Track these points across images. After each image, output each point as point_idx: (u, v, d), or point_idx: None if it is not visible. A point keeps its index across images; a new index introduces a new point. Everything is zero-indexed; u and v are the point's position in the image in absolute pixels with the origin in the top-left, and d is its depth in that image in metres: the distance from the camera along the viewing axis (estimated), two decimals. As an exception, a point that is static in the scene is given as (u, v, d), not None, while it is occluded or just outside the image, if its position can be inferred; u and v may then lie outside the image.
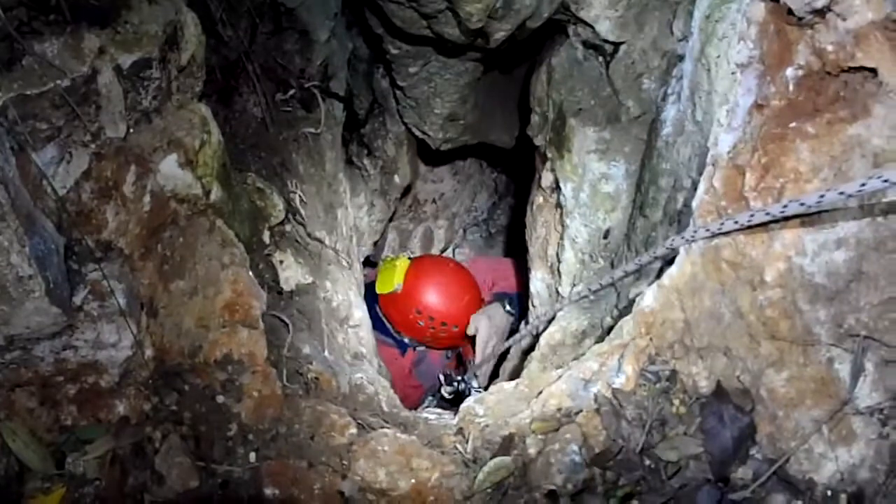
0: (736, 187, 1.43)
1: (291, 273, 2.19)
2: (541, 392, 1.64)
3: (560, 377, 1.63)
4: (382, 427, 1.71)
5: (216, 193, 1.86)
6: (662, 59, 2.18)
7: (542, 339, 2.38)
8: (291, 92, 2.57)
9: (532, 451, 1.48)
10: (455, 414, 1.87)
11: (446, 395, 3.38)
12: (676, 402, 1.45)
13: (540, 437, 1.50)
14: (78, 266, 1.60)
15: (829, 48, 1.32)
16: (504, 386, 1.85)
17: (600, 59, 2.39)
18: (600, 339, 1.81)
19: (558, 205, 2.53)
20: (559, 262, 2.53)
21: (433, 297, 3.38)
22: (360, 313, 2.68)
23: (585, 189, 2.38)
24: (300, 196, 2.43)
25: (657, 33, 2.19)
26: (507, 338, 3.11)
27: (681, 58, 1.94)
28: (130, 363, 1.60)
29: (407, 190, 4.18)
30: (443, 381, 3.39)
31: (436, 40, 2.66)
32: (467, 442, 1.61)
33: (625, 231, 2.24)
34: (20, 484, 1.42)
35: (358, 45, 3.27)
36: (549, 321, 2.41)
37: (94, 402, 1.54)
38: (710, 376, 1.44)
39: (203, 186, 1.81)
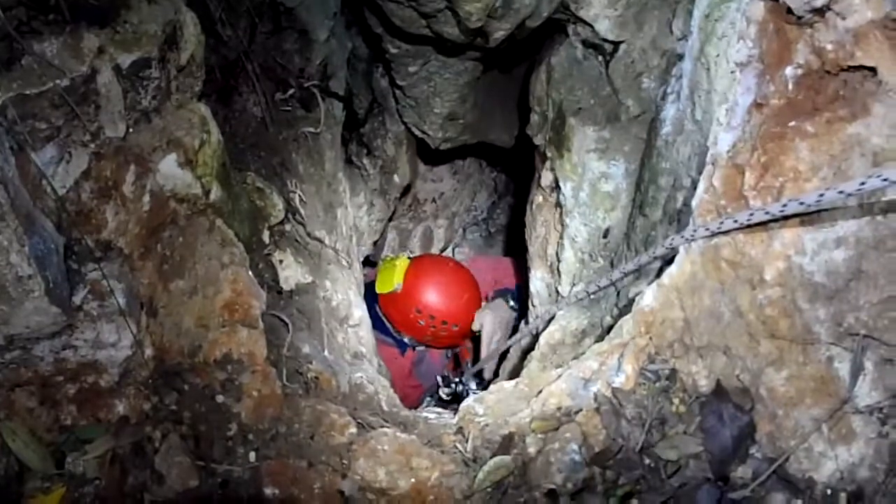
0: (735, 186, 1.43)
1: (291, 272, 2.19)
2: (540, 391, 1.64)
3: (560, 376, 1.63)
4: (382, 426, 1.71)
5: (216, 193, 1.86)
6: (662, 59, 2.18)
7: (542, 339, 2.38)
8: (291, 91, 2.57)
9: (532, 450, 1.48)
10: (455, 413, 1.88)
11: (444, 397, 3.39)
12: (676, 401, 1.45)
13: (540, 436, 1.50)
14: (77, 266, 1.60)
15: (829, 47, 1.32)
16: (504, 385, 1.85)
17: (600, 58, 2.39)
18: (600, 339, 1.81)
19: (558, 204, 2.53)
20: (559, 261, 2.53)
21: (433, 296, 3.38)
22: (360, 313, 2.68)
23: (585, 188, 2.38)
24: (300, 195, 2.43)
25: (657, 32, 2.19)
26: (511, 335, 3.12)
27: (680, 57, 1.94)
28: (130, 363, 1.60)
29: (406, 189, 4.18)
30: (440, 383, 3.40)
31: (435, 39, 2.66)
32: (467, 441, 1.61)
33: (624, 230, 2.24)
34: (20, 483, 1.42)
35: (357, 45, 3.27)
36: (549, 320, 2.41)
37: (94, 402, 1.54)
38: (709, 375, 1.44)
39: (202, 186, 1.81)
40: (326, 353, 2.10)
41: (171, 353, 1.66)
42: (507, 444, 1.52)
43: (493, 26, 2.41)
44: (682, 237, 1.50)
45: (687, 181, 1.75)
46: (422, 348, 3.71)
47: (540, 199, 2.76)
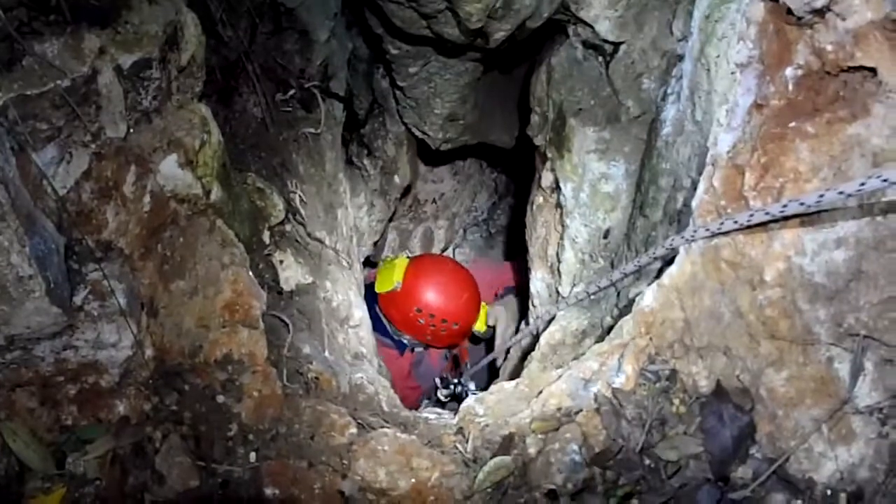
0: (735, 187, 1.43)
1: (291, 273, 2.19)
2: (541, 392, 1.64)
3: (560, 377, 1.63)
4: (382, 427, 1.71)
5: (216, 193, 1.86)
6: (662, 59, 2.18)
7: (543, 339, 2.38)
8: (291, 92, 2.57)
9: (532, 450, 1.48)
10: (455, 414, 1.88)
11: (442, 399, 3.39)
12: (676, 401, 1.45)
13: (540, 436, 1.51)
14: (78, 266, 1.60)
15: (829, 48, 1.32)
16: (504, 385, 1.85)
17: (600, 58, 2.39)
18: (600, 339, 1.81)
19: (558, 205, 2.53)
20: (559, 261, 2.53)
21: (432, 295, 3.38)
22: (361, 313, 2.68)
23: (585, 189, 2.38)
24: (300, 196, 2.43)
25: (657, 33, 2.19)
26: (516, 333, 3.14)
27: (680, 58, 1.94)
28: (131, 363, 1.60)
29: (407, 190, 4.18)
30: (439, 385, 3.41)
31: (436, 40, 2.66)
32: (467, 441, 1.61)
33: (625, 231, 2.25)
34: (21, 484, 1.42)
35: (358, 46, 3.27)
36: (550, 321, 2.41)
37: (95, 402, 1.54)
38: (709, 376, 1.44)
39: (203, 186, 1.82)
40: (327, 353, 2.10)
41: (171, 354, 1.66)
42: (507, 444, 1.53)
43: (493, 27, 2.41)
44: (683, 238, 1.50)
45: (687, 182, 1.75)
46: (420, 349, 3.71)
47: (540, 199, 2.76)
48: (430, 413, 2.41)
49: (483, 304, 3.56)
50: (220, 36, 2.27)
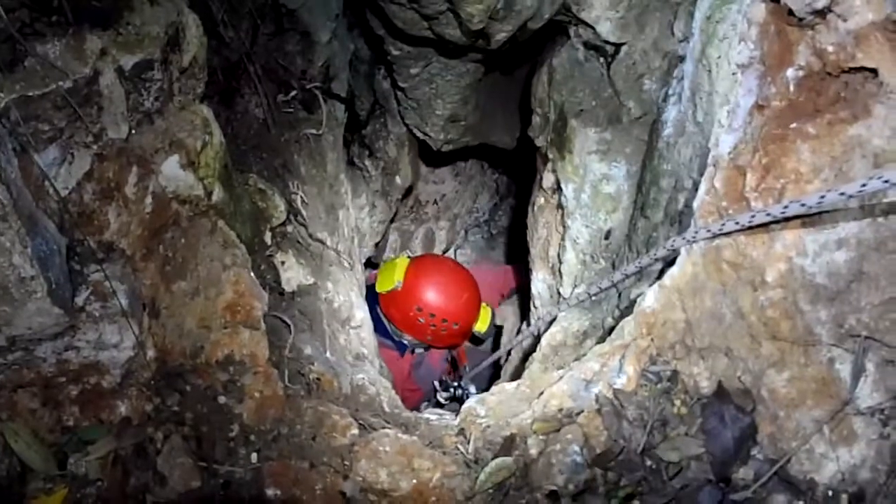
0: (737, 188, 1.43)
1: (293, 274, 2.19)
2: (542, 392, 1.64)
3: (561, 378, 1.63)
4: (384, 428, 1.71)
5: (218, 194, 1.86)
6: (663, 60, 2.18)
7: (544, 340, 2.38)
8: (293, 93, 2.57)
9: (533, 451, 1.48)
10: (456, 415, 1.88)
11: (442, 401, 3.39)
12: (678, 402, 1.45)
13: (541, 437, 1.50)
14: (80, 267, 1.61)
15: (830, 49, 1.32)
16: (505, 386, 1.85)
17: (601, 60, 2.39)
18: (601, 340, 1.81)
19: (559, 206, 2.53)
20: (560, 262, 2.53)
21: (433, 294, 3.38)
22: (362, 314, 2.68)
23: (587, 190, 2.38)
24: (302, 197, 2.44)
25: (658, 34, 2.19)
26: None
27: (682, 59, 1.94)
28: (132, 364, 1.60)
29: (408, 191, 4.18)
30: (438, 387, 3.41)
31: (437, 41, 2.66)
32: (469, 442, 1.61)
33: (626, 232, 2.25)
34: (22, 484, 1.42)
35: (359, 47, 3.27)
36: (551, 322, 2.41)
37: (96, 403, 1.54)
38: (711, 377, 1.44)
39: (205, 187, 1.82)
40: (328, 354, 2.10)
41: (173, 355, 1.66)
42: (508, 445, 1.52)
43: (494, 28, 2.42)
44: (684, 239, 1.50)
45: (688, 183, 1.75)
46: (421, 351, 3.71)
47: (541, 200, 2.76)
48: (431, 414, 2.41)
49: (484, 305, 3.56)
50: (222, 37, 2.27)
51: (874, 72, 1.27)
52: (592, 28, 2.29)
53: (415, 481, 1.51)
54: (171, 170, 1.76)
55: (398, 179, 3.86)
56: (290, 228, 2.33)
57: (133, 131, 1.73)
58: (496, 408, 1.72)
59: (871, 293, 1.25)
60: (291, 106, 2.58)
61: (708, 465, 1.36)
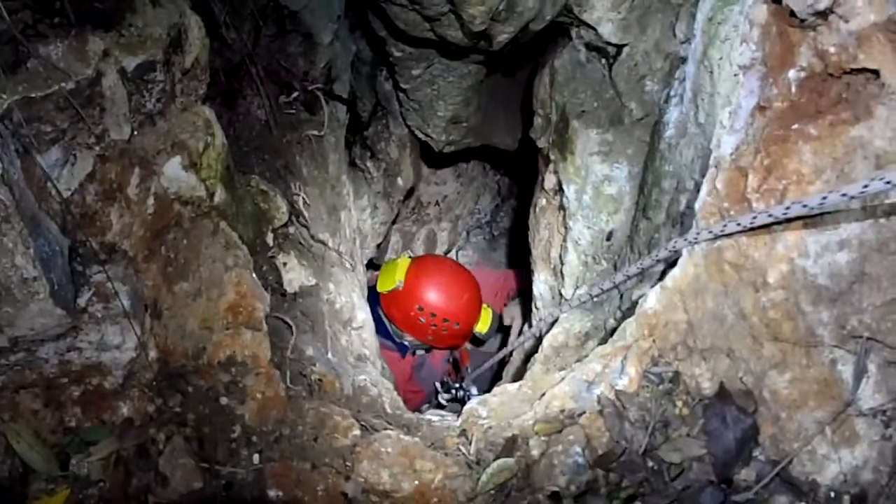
0: (738, 189, 1.43)
1: (295, 275, 2.19)
2: (544, 394, 1.64)
3: (563, 379, 1.63)
4: (386, 429, 1.71)
5: (220, 195, 1.86)
6: (665, 62, 2.18)
7: (546, 341, 2.38)
8: (295, 94, 2.58)
9: (535, 452, 1.48)
10: (458, 416, 1.88)
11: (443, 403, 3.39)
12: (679, 403, 1.45)
13: (543, 438, 1.50)
14: (82, 268, 1.61)
15: (832, 50, 1.32)
16: (507, 388, 1.85)
17: (603, 61, 2.39)
18: (603, 341, 1.81)
19: (561, 207, 2.53)
20: (562, 264, 2.53)
21: (434, 294, 3.39)
22: (364, 315, 2.68)
23: (588, 191, 2.38)
24: (303, 198, 2.44)
25: (660, 35, 2.19)
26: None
27: (683, 60, 1.94)
28: (134, 365, 1.61)
29: (410, 192, 4.18)
30: (439, 389, 3.41)
31: (439, 43, 2.66)
32: (470, 443, 1.61)
33: (628, 233, 2.24)
34: (24, 485, 1.42)
35: (361, 48, 3.27)
36: (552, 323, 2.41)
37: (98, 404, 1.55)
38: (712, 378, 1.44)
39: (207, 189, 1.82)
40: (330, 355, 2.10)
41: (175, 356, 1.67)
42: (510, 446, 1.52)
43: (496, 29, 2.42)
44: (686, 240, 1.50)
45: (690, 184, 1.75)
46: (422, 352, 3.72)
47: (543, 201, 2.76)
48: (433, 415, 2.41)
49: (485, 306, 3.56)
50: (224, 38, 2.28)
51: (876, 73, 1.27)
52: (594, 29, 2.29)
53: (416, 482, 1.51)
54: (174, 171, 1.77)
55: (400, 181, 3.86)
56: (291, 229, 2.33)
57: (135, 132, 1.74)
58: (498, 409, 1.72)
59: (872, 294, 1.25)
60: (293, 107, 2.58)
61: (710, 467, 1.36)
